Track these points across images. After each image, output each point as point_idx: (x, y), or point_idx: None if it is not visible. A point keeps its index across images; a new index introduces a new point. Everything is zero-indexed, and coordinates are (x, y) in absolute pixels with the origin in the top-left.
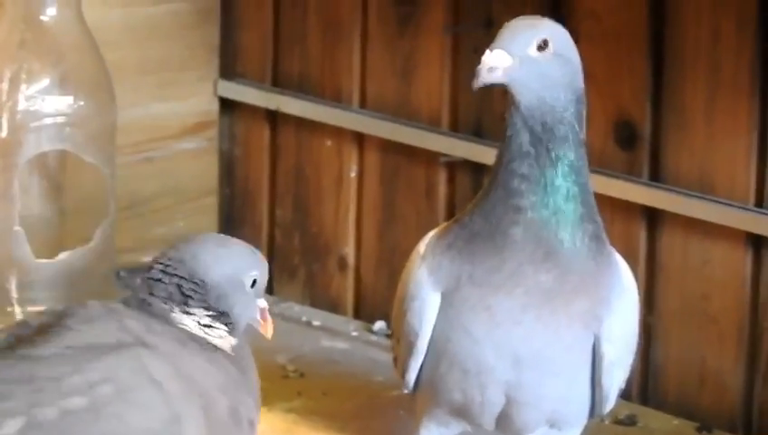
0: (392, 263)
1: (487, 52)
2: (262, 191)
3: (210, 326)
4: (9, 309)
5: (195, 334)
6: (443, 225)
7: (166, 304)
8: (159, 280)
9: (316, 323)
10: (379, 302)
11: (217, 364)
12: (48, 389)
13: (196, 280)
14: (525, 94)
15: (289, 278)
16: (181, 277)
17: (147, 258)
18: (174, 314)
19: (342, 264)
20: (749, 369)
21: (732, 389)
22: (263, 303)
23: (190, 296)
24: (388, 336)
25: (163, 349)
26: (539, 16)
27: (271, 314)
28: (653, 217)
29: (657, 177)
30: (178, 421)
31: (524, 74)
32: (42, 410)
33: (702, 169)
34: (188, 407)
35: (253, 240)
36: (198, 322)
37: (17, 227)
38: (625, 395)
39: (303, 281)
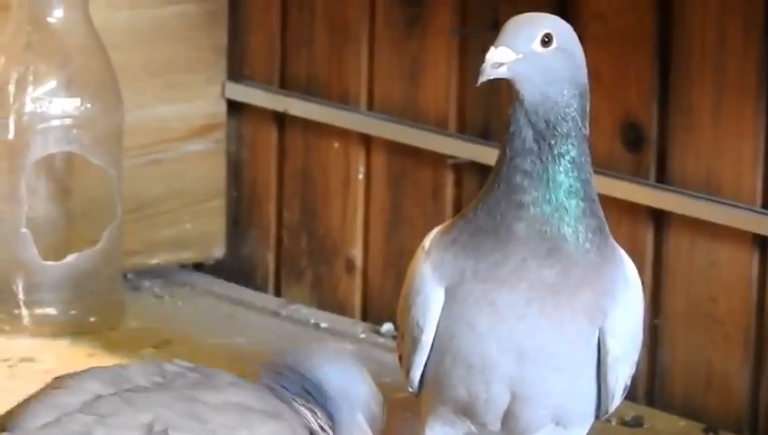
0: (400, 265)
1: (492, 48)
2: (269, 193)
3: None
4: (16, 311)
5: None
6: (448, 221)
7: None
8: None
9: (324, 325)
10: (386, 304)
11: None
12: (221, 432)
13: (320, 391)
14: (529, 89)
15: (296, 280)
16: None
17: (154, 261)
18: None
19: (350, 266)
20: (755, 371)
21: (738, 390)
22: (367, 429)
23: (313, 400)
24: (395, 338)
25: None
26: (541, 13)
27: (278, 316)
28: (659, 219)
29: (663, 178)
30: None
31: (528, 69)
32: None
33: (708, 171)
34: None
35: (260, 242)
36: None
37: (24, 229)
38: (631, 396)
39: (311, 283)
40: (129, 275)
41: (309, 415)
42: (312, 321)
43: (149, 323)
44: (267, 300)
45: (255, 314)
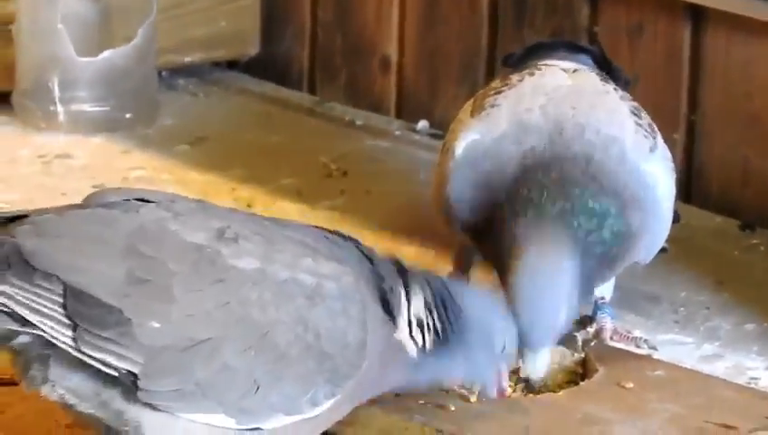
0: (434, 63)
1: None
2: None
3: (420, 329)
4: (51, 108)
5: (394, 313)
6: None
7: (409, 283)
8: (416, 272)
9: (359, 122)
10: (421, 101)
11: (385, 346)
12: (286, 253)
13: (456, 302)
14: None
15: (331, 79)
16: (446, 288)
17: (188, 58)
18: (414, 287)
19: (385, 63)
20: None
21: None
22: (503, 367)
23: (444, 303)
24: (430, 135)
25: (367, 295)
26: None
27: (313, 114)
28: (697, 16)
29: None
30: (363, 347)
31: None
32: (274, 267)
33: None
34: (371, 343)
35: (294, 40)
36: (421, 318)
37: (60, 26)
38: None
39: (345, 81)
40: (163, 73)
41: (419, 308)
42: (347, 118)
43: (184, 120)
44: (302, 98)
45: (290, 111)
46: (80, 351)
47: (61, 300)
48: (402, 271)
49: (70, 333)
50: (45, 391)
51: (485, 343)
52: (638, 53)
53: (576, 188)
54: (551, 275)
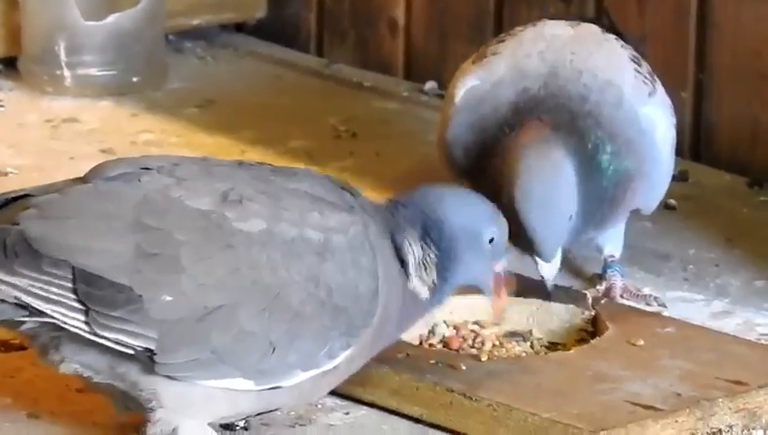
0: (442, 24)
1: (541, 265)
2: None
3: (424, 267)
4: (59, 72)
5: (405, 261)
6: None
7: (408, 223)
8: (404, 207)
9: (367, 84)
10: (429, 62)
11: (394, 282)
12: (292, 210)
13: (437, 219)
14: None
15: (340, 41)
16: (426, 213)
17: (196, 21)
18: (408, 234)
19: (393, 25)
20: None
21: None
22: (498, 266)
23: (429, 230)
24: (438, 96)
25: (379, 246)
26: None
27: (321, 77)
28: None
29: None
30: (376, 296)
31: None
32: (281, 226)
33: None
34: (384, 289)
35: (302, 3)
36: (420, 257)
37: None
38: (677, 151)
39: (354, 43)
40: (170, 37)
41: (415, 248)
42: (356, 80)
43: (192, 83)
44: (310, 60)
45: (299, 74)
46: (94, 334)
47: (70, 285)
48: (390, 208)
49: (82, 317)
50: (63, 368)
51: (475, 246)
52: (646, 12)
53: (571, 116)
54: (551, 171)
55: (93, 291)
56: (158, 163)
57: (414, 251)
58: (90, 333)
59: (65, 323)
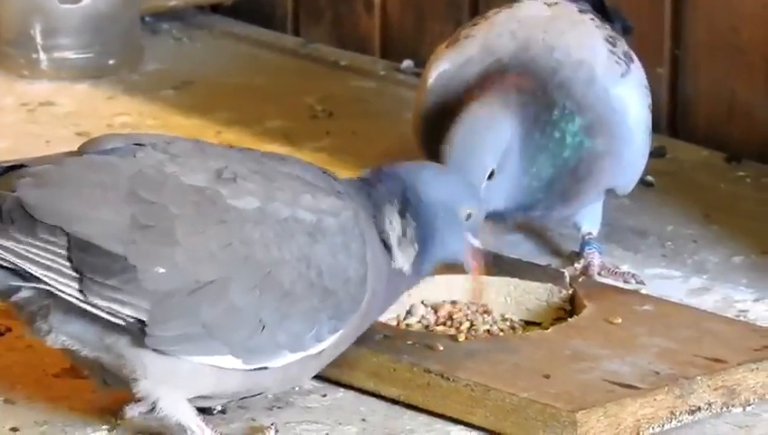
0: (418, 2)
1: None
2: None
3: (405, 238)
4: (34, 56)
5: (387, 235)
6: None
7: (387, 199)
8: (382, 181)
9: (344, 63)
10: (406, 41)
11: (380, 266)
12: (285, 191)
13: (415, 193)
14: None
15: (316, 20)
16: (404, 187)
17: (172, 2)
18: (388, 208)
19: (369, 4)
20: None
21: (761, 119)
22: (475, 242)
23: (408, 204)
24: (415, 75)
25: (368, 232)
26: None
27: (298, 56)
28: None
29: None
30: (364, 282)
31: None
32: (275, 205)
33: None
34: (371, 277)
35: None
36: (400, 231)
37: None
38: (654, 127)
39: (330, 22)
40: (146, 18)
41: (396, 223)
42: (333, 59)
43: (169, 65)
44: (286, 40)
45: (275, 54)
46: (87, 302)
47: (65, 252)
48: (368, 183)
49: (76, 284)
50: (50, 340)
51: (451, 221)
52: None
53: (541, 84)
54: (482, 122)
55: (88, 258)
56: (151, 140)
57: (395, 226)
58: (83, 300)
59: (59, 289)
